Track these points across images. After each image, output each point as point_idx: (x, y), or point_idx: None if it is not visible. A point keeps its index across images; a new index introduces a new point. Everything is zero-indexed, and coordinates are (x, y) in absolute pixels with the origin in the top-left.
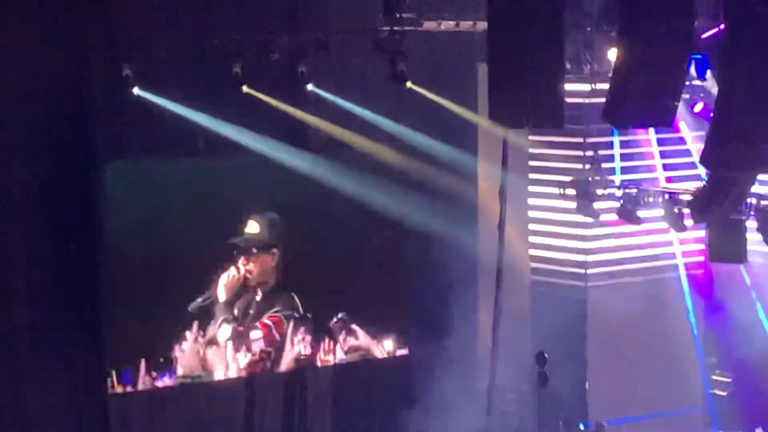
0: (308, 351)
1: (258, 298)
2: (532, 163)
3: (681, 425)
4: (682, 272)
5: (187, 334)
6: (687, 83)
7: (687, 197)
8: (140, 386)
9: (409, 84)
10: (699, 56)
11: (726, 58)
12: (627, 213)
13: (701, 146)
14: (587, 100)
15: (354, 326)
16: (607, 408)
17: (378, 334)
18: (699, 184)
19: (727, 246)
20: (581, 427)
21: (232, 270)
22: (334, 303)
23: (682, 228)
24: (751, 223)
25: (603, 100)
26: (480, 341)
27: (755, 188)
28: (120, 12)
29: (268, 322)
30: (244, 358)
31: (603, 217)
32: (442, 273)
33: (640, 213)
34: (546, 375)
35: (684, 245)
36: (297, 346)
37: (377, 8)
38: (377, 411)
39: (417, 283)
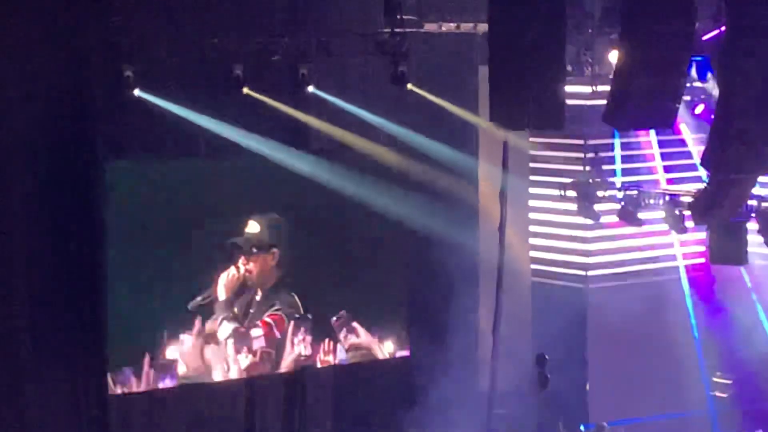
0: (308, 351)
1: (258, 297)
2: (532, 164)
3: (681, 427)
4: (683, 274)
5: (188, 332)
6: (688, 85)
7: (688, 199)
8: (141, 387)
9: (409, 86)
10: (700, 58)
11: (727, 59)
12: (628, 215)
13: (702, 148)
14: (588, 102)
15: (355, 324)
16: (607, 409)
17: (378, 335)
18: (700, 186)
19: (727, 248)
20: (582, 428)
21: (232, 269)
22: (335, 304)
23: (683, 230)
24: (752, 225)
25: (604, 102)
26: (480, 342)
27: (756, 190)
28: (121, 13)
29: (269, 320)
30: (245, 359)
31: (603, 219)
32: (442, 274)
33: (641, 215)
34: (546, 376)
35: (684, 247)
36: (297, 346)
37: (378, 10)
38: (378, 412)
39: (417, 284)
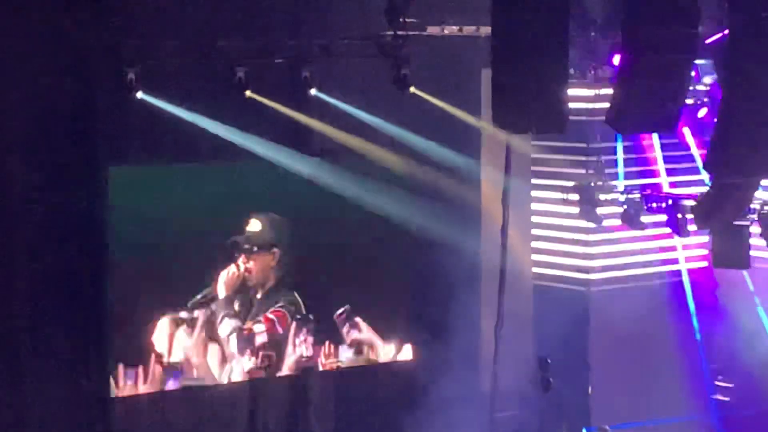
0: (310, 352)
1: (259, 296)
2: (534, 167)
3: (683, 431)
4: (685, 277)
5: (190, 331)
6: (691, 88)
7: (690, 203)
8: (143, 389)
9: (412, 89)
10: (703, 61)
11: (730, 63)
12: (630, 218)
13: (705, 152)
14: (591, 106)
15: (357, 319)
16: (610, 413)
17: (380, 337)
18: (703, 189)
19: (730, 251)
20: (584, 431)
21: (232, 267)
22: (336, 305)
23: (686, 233)
24: (755, 229)
25: (607, 105)
26: (482, 345)
27: (759, 194)
28: (123, 16)
29: (272, 316)
30: (248, 362)
31: (606, 223)
32: (444, 276)
33: (644, 218)
34: (549, 380)
35: (687, 250)
36: (299, 348)
37: (380, 13)
38: (380, 413)
39: (419, 287)
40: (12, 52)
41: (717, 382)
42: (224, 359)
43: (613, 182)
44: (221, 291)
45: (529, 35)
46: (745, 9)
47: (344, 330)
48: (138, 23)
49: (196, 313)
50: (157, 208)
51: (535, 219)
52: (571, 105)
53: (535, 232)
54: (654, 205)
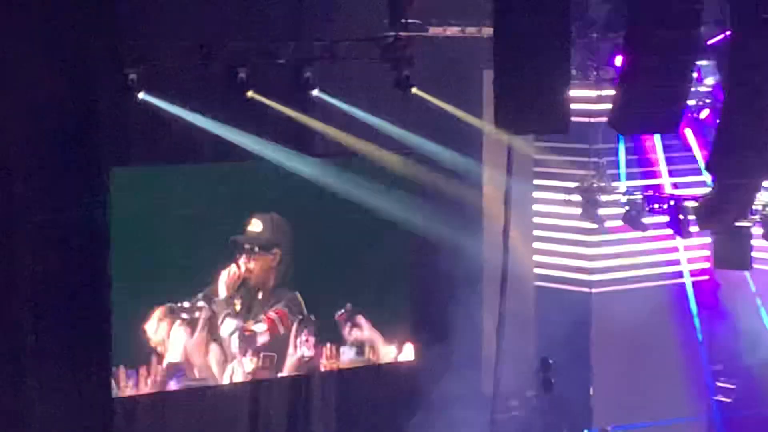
0: (311, 353)
1: (260, 296)
2: (536, 168)
3: None
4: (687, 279)
5: (190, 330)
6: (693, 89)
7: (692, 204)
8: (145, 389)
9: (414, 90)
10: (705, 63)
11: (732, 64)
12: (632, 219)
13: (707, 153)
14: (593, 107)
15: (359, 318)
16: (611, 414)
17: (382, 338)
18: (705, 190)
19: (732, 253)
20: None
21: (233, 267)
22: (337, 306)
23: (688, 234)
24: (757, 230)
25: (609, 106)
26: (484, 346)
27: (761, 195)
28: (126, 17)
29: (273, 315)
30: (249, 363)
31: (608, 224)
32: (446, 277)
33: (645, 219)
34: (550, 381)
35: (689, 251)
36: (300, 348)
37: (383, 14)
38: (381, 414)
39: (421, 288)
40: (14, 53)
41: (718, 383)
42: (226, 360)
43: (615, 183)
44: (222, 291)
45: (531, 36)
46: (746, 10)
47: (346, 329)
48: (140, 24)
49: (197, 313)
50: (159, 209)
51: (536, 220)
52: (573, 106)
53: (536, 233)
54: (656, 206)
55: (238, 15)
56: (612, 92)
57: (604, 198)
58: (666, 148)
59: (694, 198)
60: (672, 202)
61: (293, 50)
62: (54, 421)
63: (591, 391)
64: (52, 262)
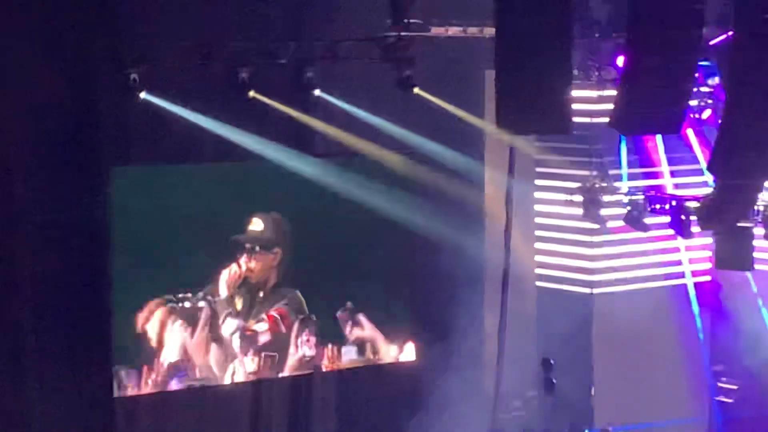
0: (312, 353)
1: (261, 295)
2: (538, 168)
3: None
4: (689, 279)
5: (191, 330)
6: (695, 90)
7: (694, 204)
8: (146, 389)
9: (416, 90)
10: (707, 63)
11: (734, 65)
12: (634, 220)
13: (709, 153)
14: (595, 107)
15: (360, 316)
16: (613, 414)
17: (384, 338)
18: (706, 191)
19: (733, 253)
20: None
21: (234, 267)
22: (338, 306)
23: (689, 235)
24: (759, 230)
25: (610, 106)
26: (486, 346)
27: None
28: (127, 17)
29: (275, 314)
30: (251, 363)
31: (610, 224)
32: (447, 277)
33: (647, 220)
34: (552, 381)
35: (691, 252)
36: (301, 348)
37: (384, 14)
38: (383, 414)
39: (423, 287)
40: (14, 53)
41: (720, 384)
42: (227, 359)
43: (617, 184)
44: (223, 290)
45: (533, 36)
46: (749, 11)
47: (346, 328)
48: (141, 24)
49: (198, 312)
50: (160, 208)
51: (538, 220)
52: (575, 106)
53: (538, 233)
54: (657, 206)
55: (240, 15)
56: (614, 92)
57: (605, 198)
58: (668, 149)
59: (696, 198)
60: (674, 203)
61: (294, 50)
62: (54, 422)
63: (592, 392)
64: (52, 262)
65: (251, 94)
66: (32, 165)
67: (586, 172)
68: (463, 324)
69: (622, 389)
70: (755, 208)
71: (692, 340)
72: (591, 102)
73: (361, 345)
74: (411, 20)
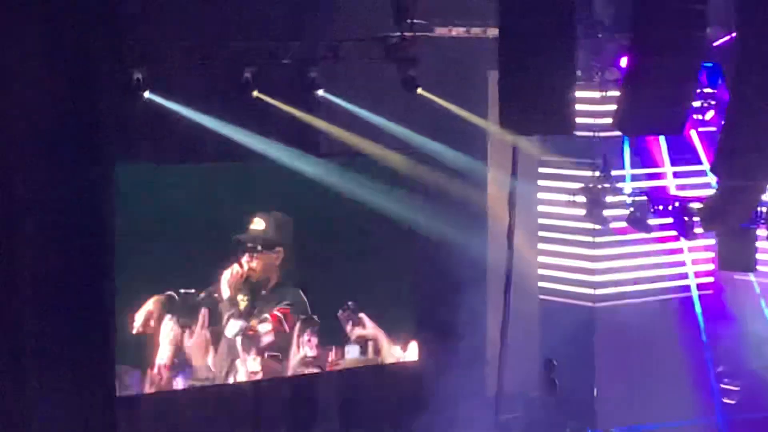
0: (314, 353)
1: (263, 295)
2: (541, 169)
3: None
4: (692, 280)
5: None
6: (698, 91)
7: (697, 205)
8: (148, 389)
9: (419, 90)
10: (710, 64)
11: (738, 66)
12: (637, 221)
13: (712, 154)
14: (598, 108)
15: (361, 315)
16: (615, 415)
17: (387, 338)
18: (710, 192)
19: (736, 254)
20: None
21: (236, 266)
22: (341, 305)
23: (693, 236)
24: (762, 232)
25: (614, 107)
26: (488, 347)
27: (766, 197)
28: (130, 16)
29: (278, 313)
30: (253, 363)
31: (612, 225)
32: (450, 278)
33: (650, 221)
34: (554, 382)
35: (693, 253)
36: (303, 348)
37: (388, 14)
38: (385, 415)
39: (426, 288)
40: (17, 53)
41: (723, 385)
42: (230, 359)
43: (620, 184)
44: (225, 291)
45: (537, 37)
46: (752, 12)
47: (348, 327)
48: (146, 24)
49: (201, 312)
50: (163, 208)
51: (541, 221)
52: (579, 107)
53: (541, 233)
54: (660, 207)
55: (244, 15)
56: (617, 93)
57: (608, 199)
58: (671, 150)
59: (699, 199)
60: (677, 204)
61: (298, 50)
62: (56, 422)
63: (595, 393)
64: (52, 262)
65: (255, 93)
66: (32, 165)
67: (589, 173)
68: (466, 324)
69: (625, 390)
70: (758, 209)
71: (695, 341)
72: (594, 103)
73: (363, 344)
74: (414, 21)
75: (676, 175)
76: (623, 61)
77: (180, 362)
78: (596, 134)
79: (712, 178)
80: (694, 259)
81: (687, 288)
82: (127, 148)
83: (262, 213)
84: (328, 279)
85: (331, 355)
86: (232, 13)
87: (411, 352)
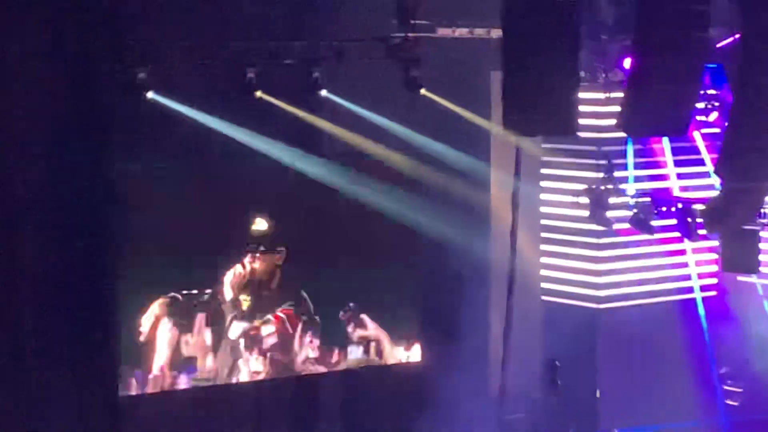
0: (316, 354)
1: (265, 295)
2: (544, 170)
3: None
4: (695, 282)
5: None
6: (702, 92)
7: (701, 207)
8: (151, 389)
9: (422, 91)
10: (714, 66)
11: (741, 67)
12: (640, 222)
13: (715, 156)
14: (601, 109)
15: (363, 316)
16: (617, 416)
17: (389, 338)
18: (713, 193)
19: (740, 256)
20: None
21: (238, 267)
22: (343, 306)
23: (696, 237)
24: (765, 234)
25: (617, 108)
26: (491, 348)
27: None
28: (131, 16)
29: (281, 314)
30: (256, 363)
31: (616, 227)
32: (453, 278)
33: (654, 222)
34: (557, 383)
35: (697, 254)
36: (305, 349)
37: (391, 14)
38: (388, 415)
39: (429, 289)
40: (18, 53)
41: (726, 387)
42: (232, 359)
43: (623, 186)
44: (228, 292)
45: (540, 38)
46: (755, 14)
47: (350, 328)
48: (146, 24)
49: (204, 312)
50: (166, 208)
51: (544, 222)
52: (582, 108)
53: (544, 234)
54: (664, 209)
55: (247, 15)
56: (621, 94)
57: (612, 200)
58: (674, 151)
59: (703, 201)
60: (680, 205)
61: (301, 50)
62: (57, 422)
63: (597, 394)
64: (53, 262)
65: (258, 94)
66: (32, 165)
67: (592, 174)
68: (469, 325)
69: (627, 391)
70: (762, 210)
71: (698, 343)
72: (598, 104)
73: (365, 345)
74: (417, 21)
75: (679, 176)
76: (627, 62)
77: (182, 362)
78: (599, 135)
79: (715, 180)
80: (697, 260)
81: (690, 289)
82: (128, 148)
83: (265, 213)
84: (331, 279)
85: (334, 356)
86: (232, 13)
87: (414, 353)
